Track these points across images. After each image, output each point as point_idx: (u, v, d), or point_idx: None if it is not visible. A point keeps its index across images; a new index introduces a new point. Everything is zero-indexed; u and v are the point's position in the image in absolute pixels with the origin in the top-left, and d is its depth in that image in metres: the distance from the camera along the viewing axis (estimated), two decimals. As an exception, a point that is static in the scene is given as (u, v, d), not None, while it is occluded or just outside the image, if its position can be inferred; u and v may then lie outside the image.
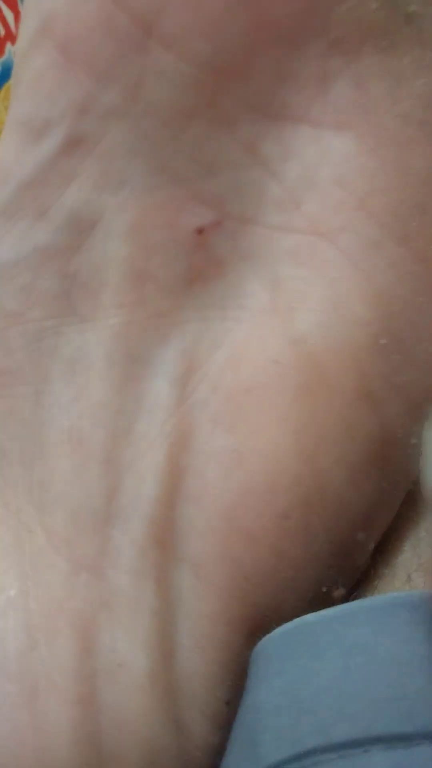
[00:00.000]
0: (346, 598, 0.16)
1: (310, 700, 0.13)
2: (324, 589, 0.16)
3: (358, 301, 0.15)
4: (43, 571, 0.16)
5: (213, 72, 0.15)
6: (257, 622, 0.16)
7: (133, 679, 0.16)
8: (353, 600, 0.16)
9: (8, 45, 0.40)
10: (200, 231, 0.16)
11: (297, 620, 0.15)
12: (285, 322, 0.16)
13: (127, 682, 0.16)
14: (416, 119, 0.15)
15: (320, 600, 0.16)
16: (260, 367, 0.16)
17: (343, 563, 0.16)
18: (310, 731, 0.13)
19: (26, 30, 0.16)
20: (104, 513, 0.16)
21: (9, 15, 0.41)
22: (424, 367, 0.16)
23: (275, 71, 0.15)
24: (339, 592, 0.16)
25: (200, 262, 0.16)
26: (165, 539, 0.16)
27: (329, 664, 0.14)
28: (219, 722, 0.16)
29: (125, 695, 0.16)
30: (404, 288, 0.15)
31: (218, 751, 0.16)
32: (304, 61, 0.15)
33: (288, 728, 0.13)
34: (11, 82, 0.17)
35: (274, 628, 0.15)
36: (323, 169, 0.15)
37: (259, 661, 0.15)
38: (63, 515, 0.16)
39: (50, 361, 0.16)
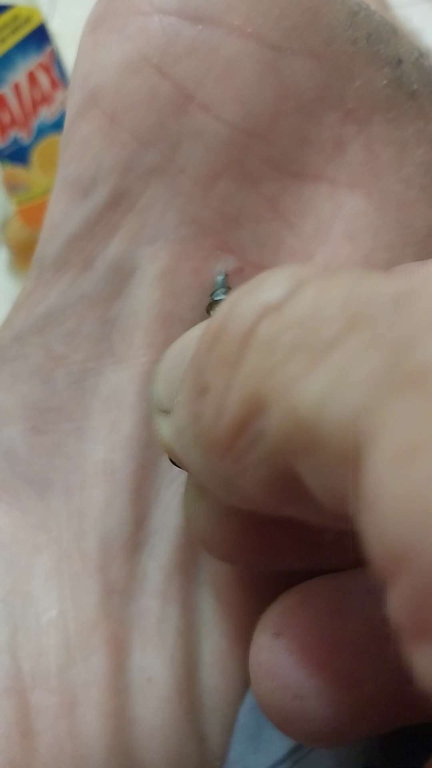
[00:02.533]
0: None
1: None
2: None
3: None
4: (79, 594, 0.17)
5: (243, 134, 0.17)
6: None
7: (161, 693, 0.17)
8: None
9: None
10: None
11: None
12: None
13: (155, 696, 0.17)
14: (417, 184, 0.17)
15: None
16: None
17: None
18: None
19: (74, 101, 0.18)
20: (133, 540, 0.17)
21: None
22: None
23: (297, 135, 0.17)
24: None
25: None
26: (188, 565, 0.17)
27: None
28: None
29: (154, 708, 0.17)
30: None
31: None
32: (322, 128, 0.17)
33: None
34: (60, 147, 0.19)
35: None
36: (336, 225, 0.17)
37: None
38: (96, 542, 0.17)
39: (91, 399, 0.18)
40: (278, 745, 0.15)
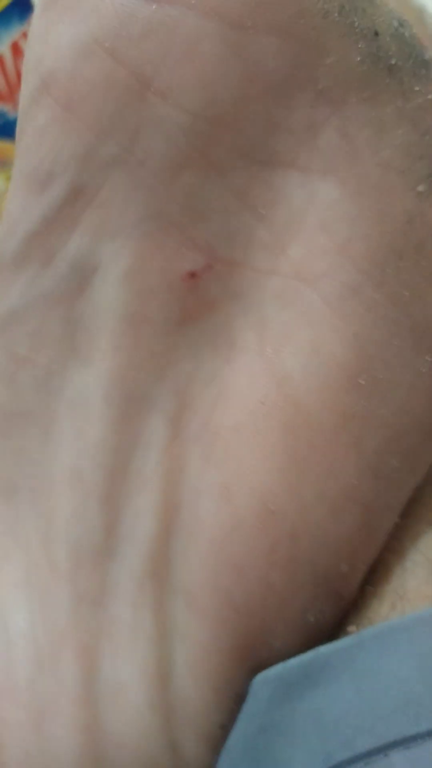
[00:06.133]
0: (333, 626, 0.17)
1: (333, 722, 0.15)
2: (311, 619, 0.17)
3: (338, 343, 0.16)
4: (48, 603, 0.17)
5: (206, 122, 0.16)
6: (248, 650, 0.16)
7: (133, 703, 0.16)
8: (343, 627, 0.17)
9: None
10: (192, 275, 0.17)
11: (311, 652, 0.16)
12: (271, 364, 0.16)
13: (127, 707, 0.16)
14: (396, 167, 0.16)
15: (308, 629, 0.17)
16: (248, 406, 0.16)
17: (328, 594, 0.17)
18: (337, 747, 0.15)
19: (28, 87, 0.17)
20: (104, 548, 0.17)
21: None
22: (400, 406, 0.16)
23: (265, 120, 0.16)
24: (326, 620, 0.17)
25: (192, 304, 0.17)
26: (161, 572, 0.16)
27: (345, 688, 0.15)
28: (213, 745, 0.16)
29: (126, 719, 0.16)
30: (381, 331, 0.16)
31: None
32: (293, 111, 0.16)
33: (317, 747, 0.15)
34: (16, 136, 0.18)
35: (264, 655, 0.16)
36: (309, 215, 0.16)
37: (276, 688, 0.16)
38: (65, 550, 0.17)
39: (56, 403, 0.17)
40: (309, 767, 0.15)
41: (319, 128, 0.16)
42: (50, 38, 0.16)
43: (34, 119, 0.16)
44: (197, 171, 0.16)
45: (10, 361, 0.17)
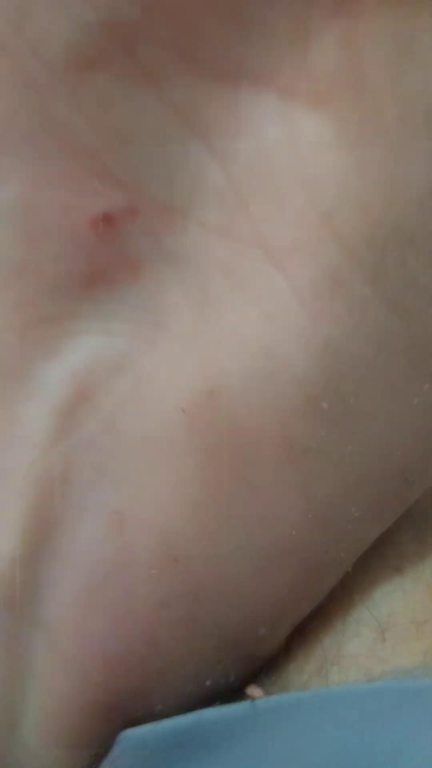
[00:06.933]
0: (242, 686, 0.14)
1: None
2: (209, 683, 0.13)
3: (301, 350, 0.11)
4: None
5: (133, 5, 0.11)
6: (117, 711, 0.13)
7: None
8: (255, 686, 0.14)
9: None
10: (108, 218, 0.12)
11: (193, 715, 0.13)
12: (205, 360, 0.12)
13: None
14: (423, 107, 0.11)
15: (203, 693, 0.13)
16: (165, 412, 0.12)
17: (237, 658, 0.13)
18: None
19: None
20: None
21: None
22: (374, 444, 0.12)
23: (230, 14, 0.11)
24: (230, 684, 0.13)
25: (105, 258, 0.12)
26: (20, 600, 0.13)
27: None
28: None
29: None
30: (365, 342, 0.11)
31: None
32: (275, 6, 0.11)
33: None
34: None
35: (139, 718, 0.13)
36: (284, 161, 0.11)
37: (138, 757, 0.13)
38: None
39: None
40: None
41: (313, 35, 0.11)
42: None
43: None
44: (118, 75, 0.11)
45: None
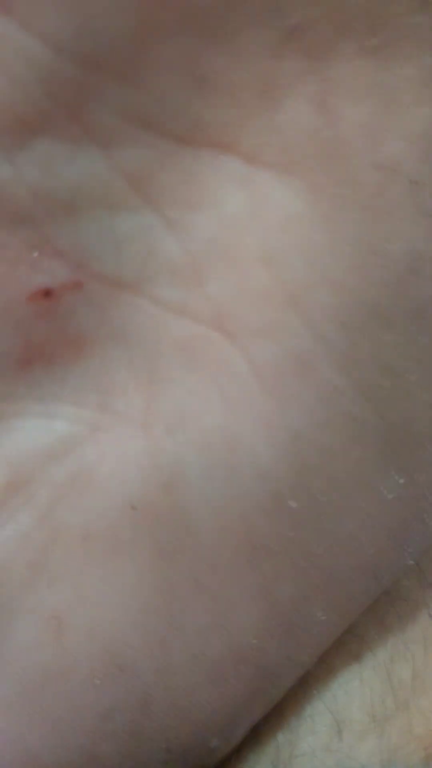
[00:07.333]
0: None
1: None
2: None
3: (264, 441, 0.10)
4: None
5: (77, 63, 0.09)
6: None
7: None
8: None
9: None
10: (47, 293, 0.10)
11: None
12: (157, 451, 0.11)
13: None
14: (405, 175, 0.10)
15: None
16: (110, 507, 0.11)
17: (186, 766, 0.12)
18: None
19: None
20: None
21: None
22: (344, 543, 0.11)
23: (189, 71, 0.10)
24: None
25: (44, 335, 0.11)
26: None
27: None
28: None
29: None
30: (334, 434, 0.10)
31: None
32: (240, 61, 0.09)
33: None
34: None
35: None
36: (248, 234, 0.10)
37: None
38: None
39: None
40: None
41: (283, 95, 0.10)
42: None
43: None
44: (61, 137, 0.10)
45: None
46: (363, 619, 0.13)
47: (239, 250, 0.10)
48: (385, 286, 0.10)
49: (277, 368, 0.10)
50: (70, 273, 0.10)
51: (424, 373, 0.10)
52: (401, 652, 0.13)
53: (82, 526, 0.11)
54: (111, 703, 0.11)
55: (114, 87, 0.10)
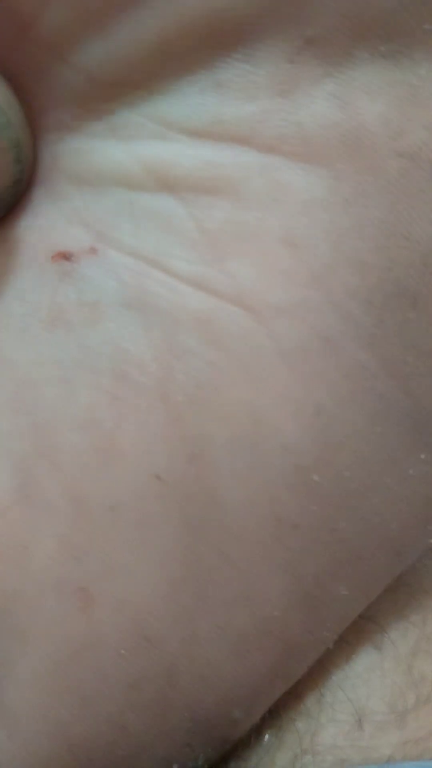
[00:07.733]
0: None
1: None
2: (175, 767, 0.12)
3: (289, 417, 0.11)
4: None
5: (110, 86, 0.11)
6: None
7: None
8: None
9: None
10: (67, 255, 0.11)
11: None
12: (181, 420, 0.11)
13: None
14: (428, 161, 0.11)
15: None
16: (136, 478, 0.11)
17: (208, 741, 0.12)
18: None
19: None
20: None
21: None
22: (368, 518, 0.11)
23: (208, 77, 0.10)
24: (198, 766, 0.12)
25: (66, 298, 0.11)
26: None
27: None
28: None
29: None
30: (360, 409, 0.11)
31: None
32: (258, 67, 0.10)
33: None
34: None
35: None
36: (269, 215, 0.11)
37: None
38: None
39: None
40: None
41: (301, 92, 0.10)
42: None
43: None
44: (88, 132, 0.12)
45: None
46: (383, 608, 0.13)
47: (259, 231, 0.11)
48: (410, 266, 0.11)
49: (301, 345, 0.11)
50: (91, 241, 0.11)
51: None
52: (423, 647, 0.13)
53: (109, 497, 0.11)
54: (138, 674, 0.11)
55: (138, 96, 0.11)
